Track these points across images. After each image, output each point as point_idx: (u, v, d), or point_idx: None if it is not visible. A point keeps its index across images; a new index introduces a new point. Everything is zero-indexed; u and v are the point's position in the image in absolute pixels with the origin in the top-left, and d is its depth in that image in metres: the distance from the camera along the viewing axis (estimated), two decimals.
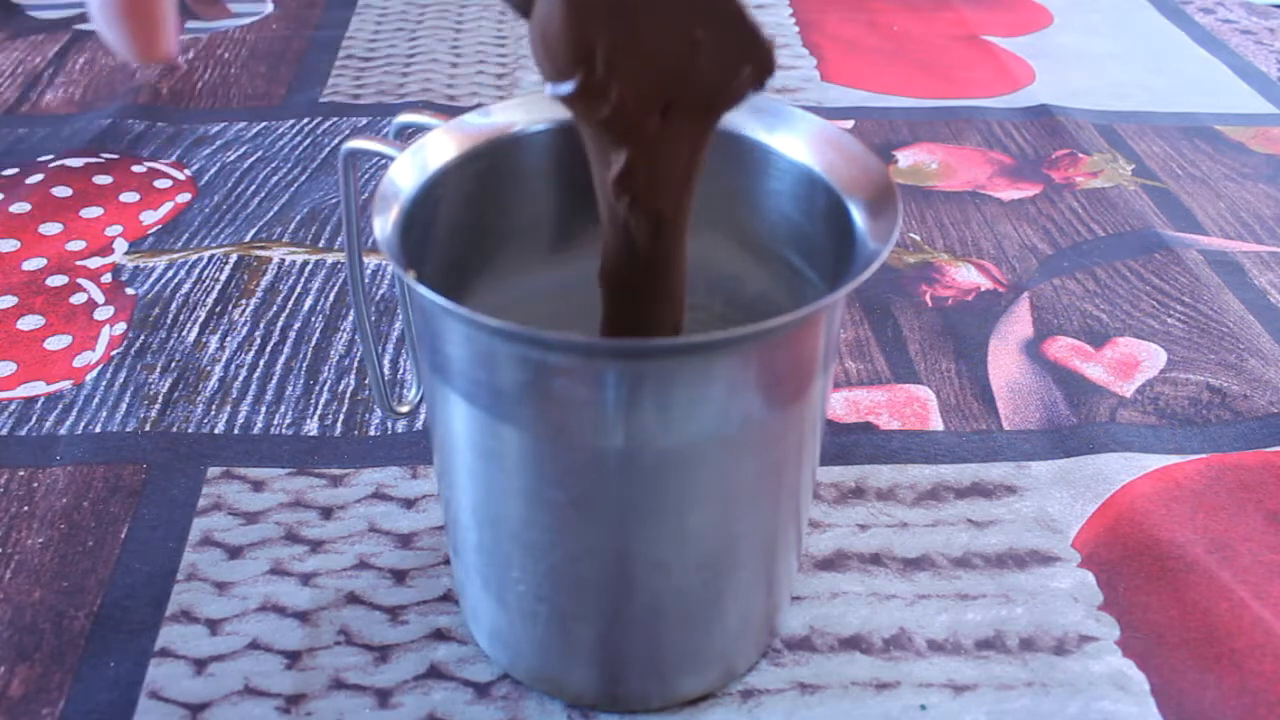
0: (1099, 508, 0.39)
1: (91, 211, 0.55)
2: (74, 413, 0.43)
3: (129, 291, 0.50)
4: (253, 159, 0.60)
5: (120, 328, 0.47)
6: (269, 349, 0.46)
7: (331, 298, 0.50)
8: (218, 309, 0.49)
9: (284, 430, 0.42)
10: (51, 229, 0.54)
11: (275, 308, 0.49)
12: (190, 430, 0.42)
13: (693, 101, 0.27)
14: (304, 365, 0.45)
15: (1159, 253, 0.54)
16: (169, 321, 0.48)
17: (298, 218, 0.55)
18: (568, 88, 0.26)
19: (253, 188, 0.58)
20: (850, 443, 0.42)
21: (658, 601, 0.29)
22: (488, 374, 0.26)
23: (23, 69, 0.70)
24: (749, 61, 0.26)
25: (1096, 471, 0.41)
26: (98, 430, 0.42)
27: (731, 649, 0.32)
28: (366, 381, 0.45)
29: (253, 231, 0.54)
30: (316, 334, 0.47)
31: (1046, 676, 0.33)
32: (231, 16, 0.79)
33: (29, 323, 0.48)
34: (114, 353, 0.46)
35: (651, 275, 0.29)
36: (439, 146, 0.31)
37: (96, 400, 0.43)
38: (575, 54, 0.25)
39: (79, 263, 0.52)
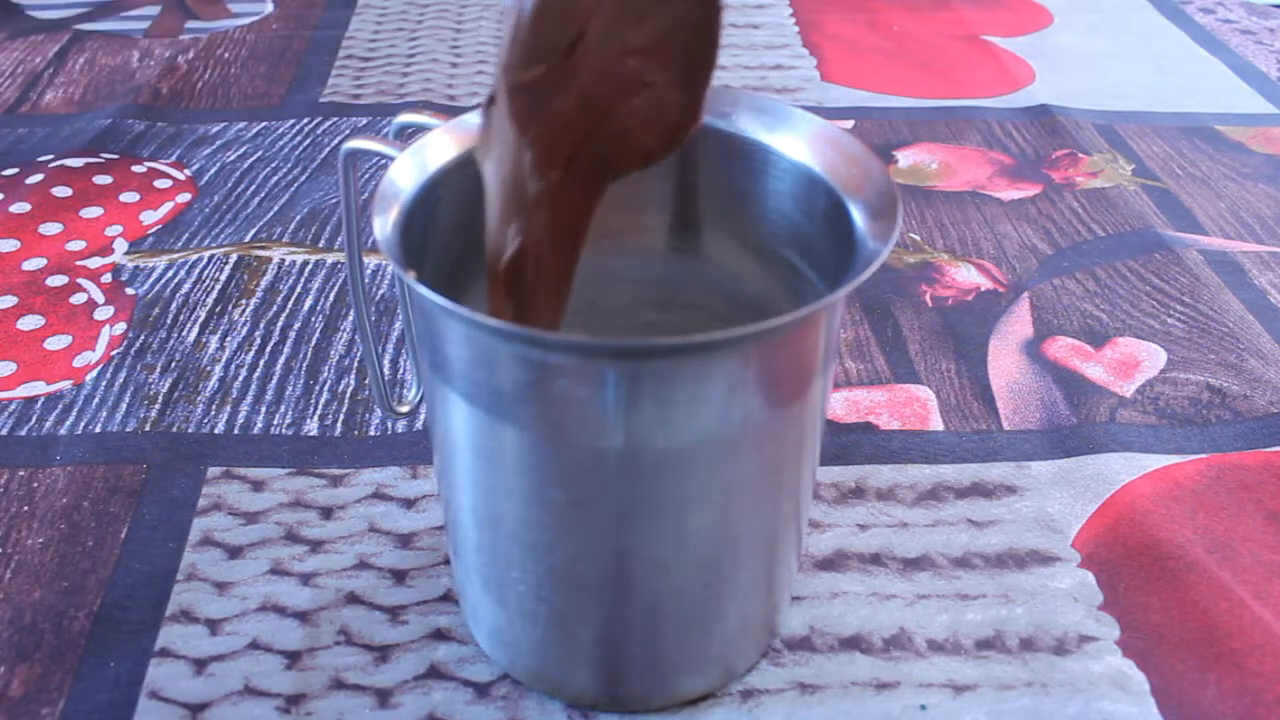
0: (1099, 508, 0.39)
1: (91, 211, 0.55)
2: (74, 413, 0.43)
3: (129, 291, 0.50)
4: (253, 159, 0.60)
5: (120, 328, 0.47)
6: (269, 349, 0.46)
7: (331, 298, 0.50)
8: (218, 309, 0.49)
9: (284, 430, 0.42)
10: (51, 229, 0.54)
11: (275, 308, 0.49)
12: (190, 430, 0.42)
13: (600, 149, 0.27)
14: (304, 365, 0.45)
15: (1159, 253, 0.54)
16: (169, 321, 0.48)
17: (298, 218, 0.55)
18: (537, 71, 0.26)
19: (253, 188, 0.58)
20: (850, 443, 0.42)
21: (658, 601, 0.29)
22: (488, 374, 0.26)
23: (23, 69, 0.70)
24: (670, 126, 0.27)
25: (1096, 471, 0.41)
26: (98, 430, 0.42)
27: (731, 649, 0.32)
28: (366, 381, 0.45)
29: (253, 231, 0.54)
30: (316, 334, 0.47)
31: (1046, 676, 0.33)
32: (231, 16, 0.79)
33: (29, 323, 0.48)
34: (114, 353, 0.46)
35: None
36: (439, 146, 0.31)
37: (96, 400, 0.43)
38: (559, 34, 0.26)
39: (79, 263, 0.52)
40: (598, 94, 0.27)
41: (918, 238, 0.55)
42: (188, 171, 0.59)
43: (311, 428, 0.42)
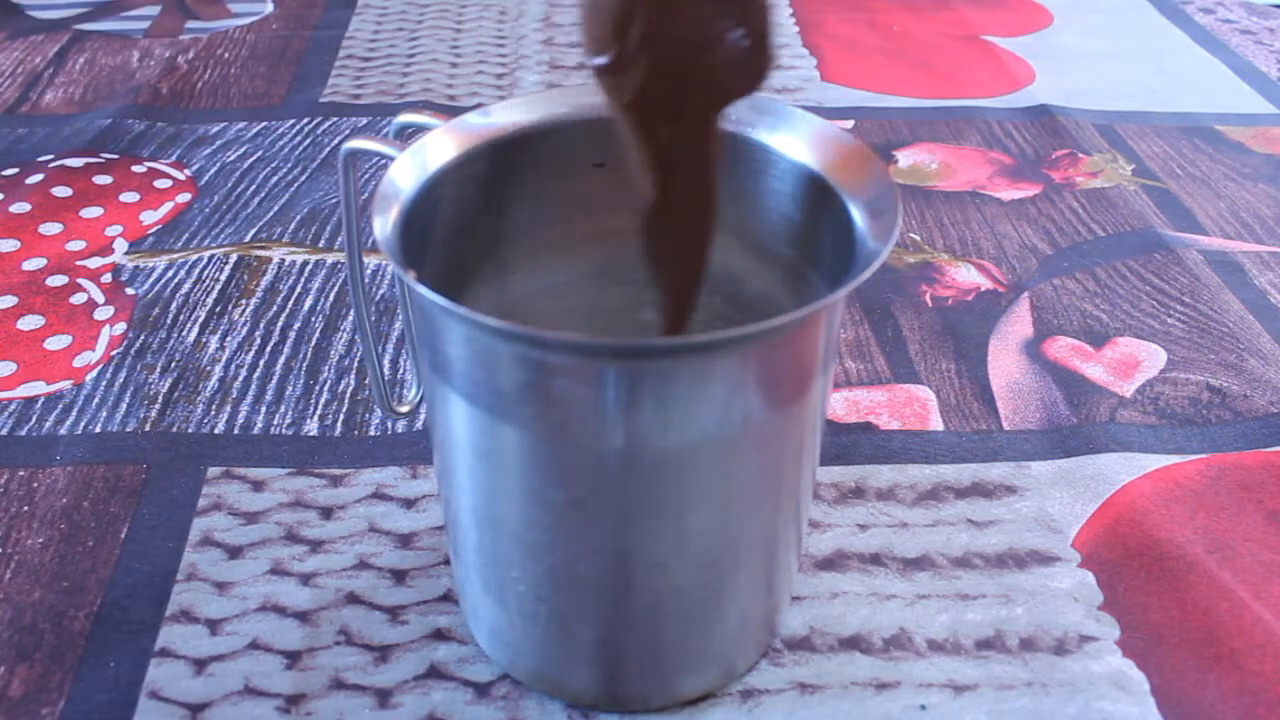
0: (1099, 508, 0.39)
1: (91, 211, 0.55)
2: (74, 413, 0.43)
3: (129, 291, 0.50)
4: (253, 159, 0.60)
5: (120, 328, 0.47)
6: (269, 349, 0.46)
7: (331, 298, 0.50)
8: (218, 309, 0.49)
9: (284, 430, 0.42)
10: (51, 229, 0.54)
11: (275, 308, 0.49)
12: (190, 430, 0.42)
13: (699, 93, 0.28)
14: (304, 365, 0.45)
15: (1159, 253, 0.54)
16: (169, 321, 0.48)
17: (298, 218, 0.55)
18: (603, 59, 0.28)
19: (253, 188, 0.58)
20: (850, 443, 0.42)
21: (658, 601, 0.29)
22: (488, 374, 0.26)
23: (23, 69, 0.70)
24: (749, 70, 0.28)
25: (1096, 471, 0.41)
26: (98, 430, 0.42)
27: (731, 649, 0.32)
28: (366, 381, 0.45)
29: (253, 231, 0.54)
30: (316, 334, 0.47)
31: (1046, 676, 0.33)
32: (231, 16, 0.79)
33: (29, 323, 0.48)
34: (114, 353, 0.46)
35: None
36: (439, 146, 0.31)
37: (96, 400, 0.43)
38: (617, 26, 0.27)
39: (79, 263, 0.52)
40: (674, 59, 0.28)
41: (918, 238, 0.55)
42: (188, 171, 0.59)
43: (311, 428, 0.42)
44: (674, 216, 0.30)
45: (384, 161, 0.31)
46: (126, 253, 0.52)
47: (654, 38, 0.27)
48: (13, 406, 0.43)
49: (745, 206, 0.33)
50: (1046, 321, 0.49)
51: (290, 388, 0.44)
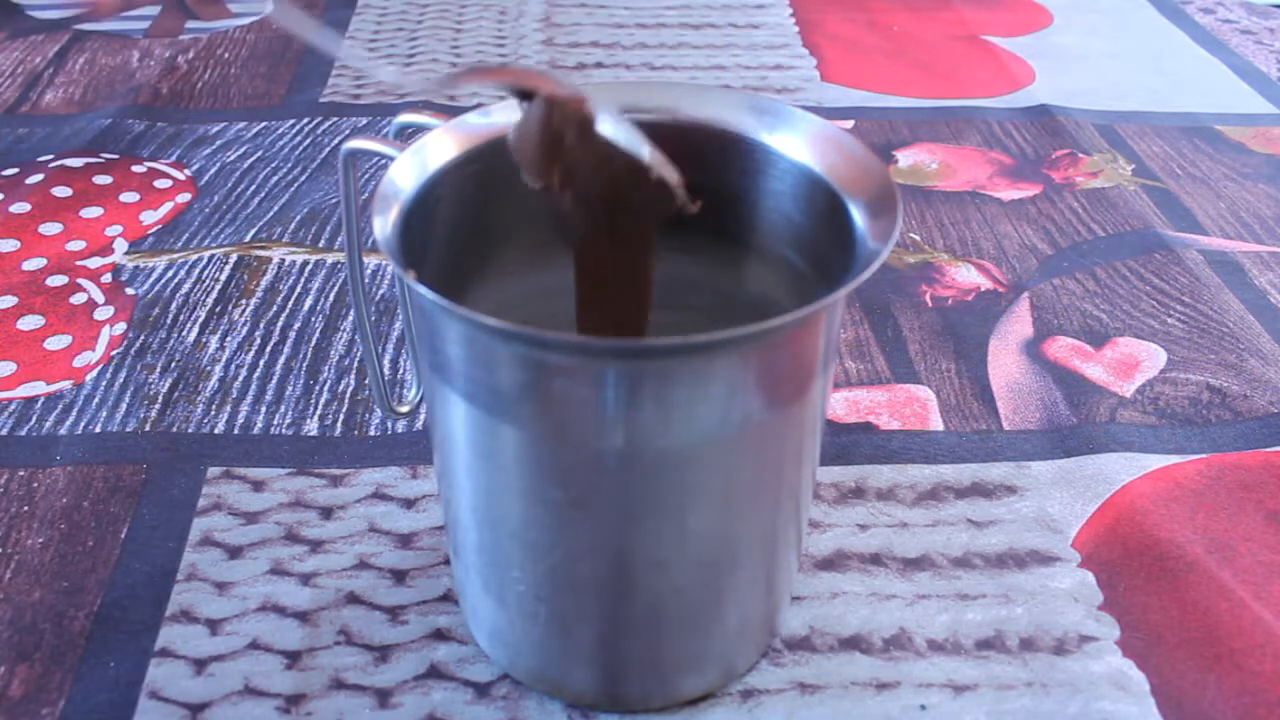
0: (1099, 508, 0.39)
1: (91, 211, 0.55)
2: (74, 413, 0.43)
3: (129, 291, 0.50)
4: (253, 159, 0.60)
5: (120, 328, 0.47)
6: (269, 349, 0.46)
7: (331, 298, 0.50)
8: (218, 309, 0.49)
9: (284, 430, 0.42)
10: (51, 229, 0.54)
11: (275, 308, 0.49)
12: (190, 430, 0.42)
13: (626, 220, 0.30)
14: (304, 365, 0.45)
15: (1159, 253, 0.54)
16: (169, 321, 0.48)
17: (298, 218, 0.55)
18: (532, 184, 0.30)
19: (253, 188, 0.58)
20: (850, 443, 0.42)
21: (658, 601, 0.29)
22: (487, 374, 0.26)
23: (23, 69, 0.70)
24: (663, 203, 0.30)
25: (1096, 471, 0.41)
26: (98, 430, 0.42)
27: (731, 649, 0.32)
28: (366, 381, 0.45)
29: (253, 231, 0.54)
30: (316, 334, 0.47)
31: (1046, 676, 0.33)
32: (231, 16, 0.79)
33: (29, 323, 0.48)
34: (114, 353, 0.46)
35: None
36: (439, 146, 0.31)
37: (96, 400, 0.43)
38: (541, 168, 0.29)
39: (79, 263, 0.52)
40: (595, 195, 0.29)
41: (918, 238, 0.55)
42: (188, 171, 0.59)
43: (311, 428, 0.42)
44: (606, 312, 0.32)
45: (384, 161, 0.31)
46: (126, 253, 0.52)
47: (573, 179, 0.29)
48: (13, 406, 0.43)
49: (745, 206, 0.33)
50: (1046, 321, 0.49)
51: (290, 388, 0.44)
